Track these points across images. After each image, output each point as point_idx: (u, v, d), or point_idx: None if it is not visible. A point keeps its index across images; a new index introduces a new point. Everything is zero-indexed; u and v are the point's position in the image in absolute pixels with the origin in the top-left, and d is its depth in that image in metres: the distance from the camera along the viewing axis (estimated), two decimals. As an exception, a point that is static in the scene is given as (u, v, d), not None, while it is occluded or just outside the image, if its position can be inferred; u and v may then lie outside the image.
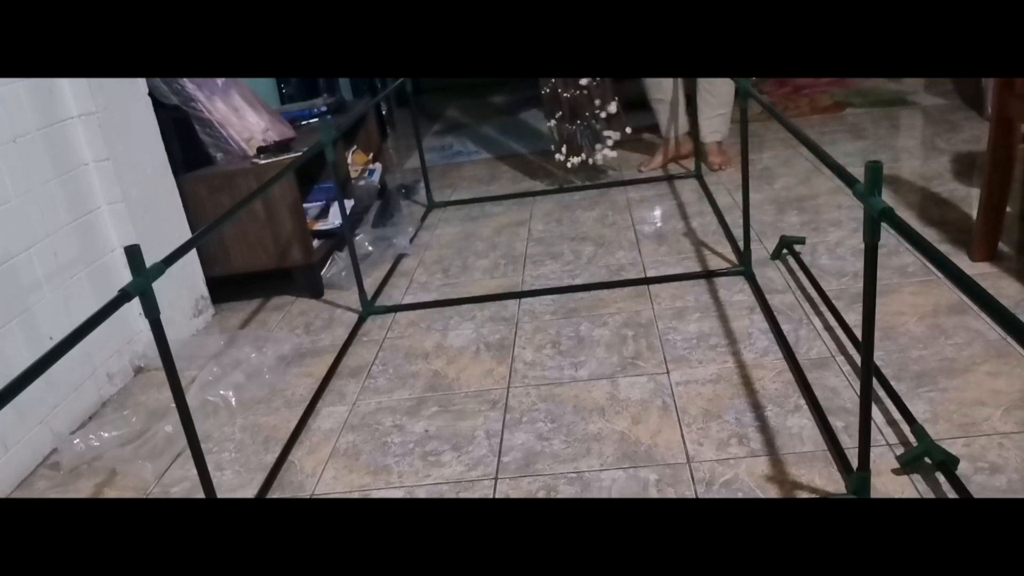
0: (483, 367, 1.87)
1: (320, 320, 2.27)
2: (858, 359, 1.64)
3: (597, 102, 2.95)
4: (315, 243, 2.44)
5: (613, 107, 2.96)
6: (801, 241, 2.21)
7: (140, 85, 2.14)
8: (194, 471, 1.31)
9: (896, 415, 1.47)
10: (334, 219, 2.53)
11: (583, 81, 2.93)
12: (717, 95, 3.09)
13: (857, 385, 1.57)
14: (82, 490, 1.64)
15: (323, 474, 1.57)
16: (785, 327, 1.82)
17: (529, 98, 4.51)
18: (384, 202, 3.01)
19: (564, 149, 3.07)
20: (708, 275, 2.17)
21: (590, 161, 3.06)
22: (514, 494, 1.43)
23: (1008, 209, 2.01)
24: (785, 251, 2.20)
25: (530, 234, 2.68)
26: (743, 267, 2.14)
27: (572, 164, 3.06)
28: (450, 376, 1.85)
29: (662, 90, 3.16)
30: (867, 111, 3.54)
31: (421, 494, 1.47)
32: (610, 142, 3.03)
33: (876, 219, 1.06)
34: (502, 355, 1.90)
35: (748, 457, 1.43)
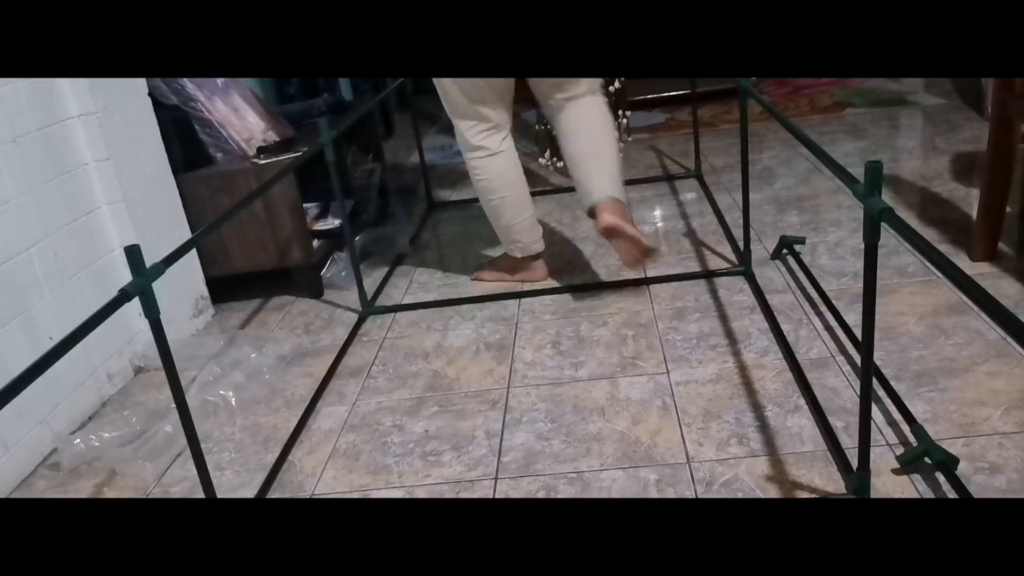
0: (483, 367, 1.87)
1: (320, 320, 2.27)
2: (858, 359, 1.64)
3: None
4: (315, 243, 2.44)
5: None
6: (801, 241, 2.21)
7: (140, 85, 2.14)
8: (194, 471, 1.31)
9: (896, 415, 1.47)
10: (334, 219, 2.53)
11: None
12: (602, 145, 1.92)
13: (857, 385, 1.57)
14: (82, 490, 1.64)
15: (323, 474, 1.57)
16: (785, 327, 1.82)
17: (529, 98, 4.49)
18: (384, 202, 3.01)
19: (548, 153, 3.16)
20: (708, 275, 2.17)
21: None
22: (514, 494, 1.43)
23: (1008, 209, 2.01)
24: (785, 251, 2.20)
25: (530, 234, 2.68)
26: (743, 267, 2.14)
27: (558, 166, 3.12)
28: (450, 376, 1.85)
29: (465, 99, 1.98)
30: (867, 111, 3.54)
31: (421, 494, 1.47)
32: None
33: (876, 219, 1.06)
34: (502, 355, 1.90)
35: (748, 457, 1.43)
